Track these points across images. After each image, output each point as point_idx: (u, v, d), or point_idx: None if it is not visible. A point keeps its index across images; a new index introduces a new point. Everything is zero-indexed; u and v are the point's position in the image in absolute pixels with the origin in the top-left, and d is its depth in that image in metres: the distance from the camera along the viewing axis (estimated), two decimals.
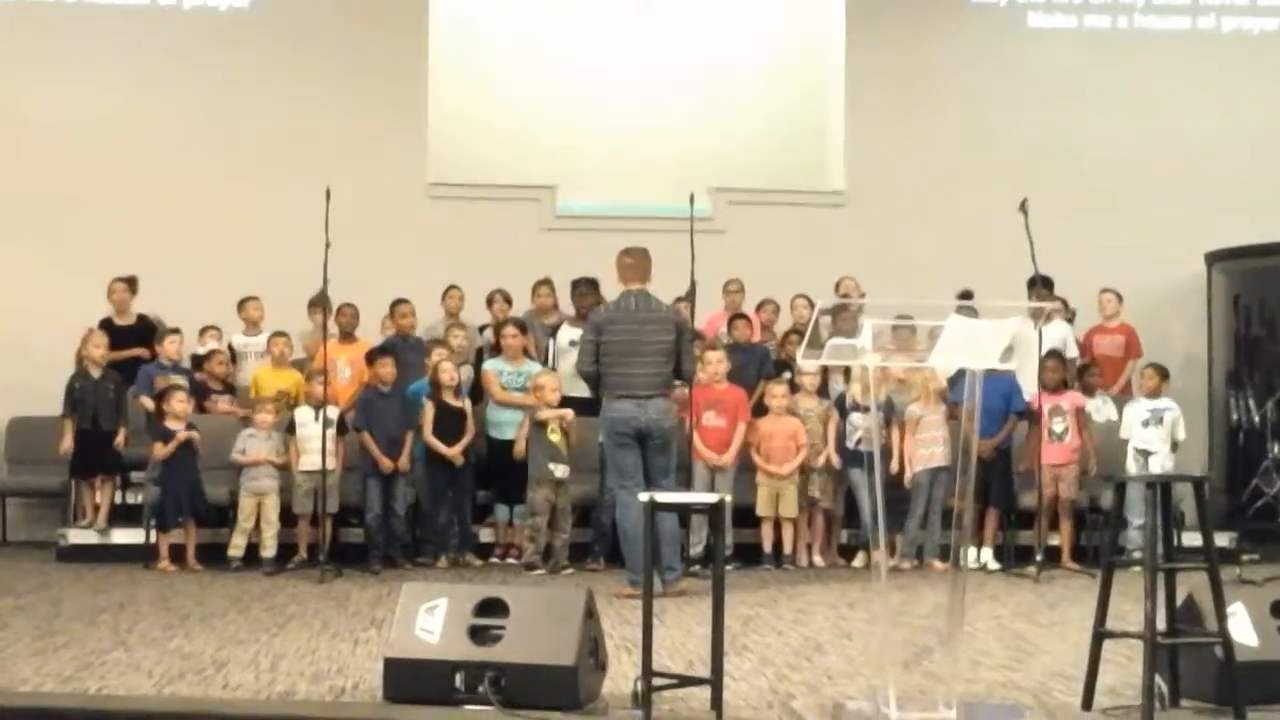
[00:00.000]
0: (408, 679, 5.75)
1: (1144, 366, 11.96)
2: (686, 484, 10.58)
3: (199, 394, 11.68)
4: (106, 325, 12.04)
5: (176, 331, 12.03)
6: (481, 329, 12.73)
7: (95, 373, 11.47)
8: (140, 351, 12.14)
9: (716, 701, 5.61)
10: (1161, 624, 5.72)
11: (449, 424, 11.11)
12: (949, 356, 6.22)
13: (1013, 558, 11.15)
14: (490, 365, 11.69)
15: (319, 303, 11.38)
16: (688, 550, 10.46)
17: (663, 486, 9.14)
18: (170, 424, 10.93)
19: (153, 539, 10.95)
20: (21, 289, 13.04)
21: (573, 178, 14.26)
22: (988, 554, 11.24)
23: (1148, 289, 13.21)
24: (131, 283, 12.32)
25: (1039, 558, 10.65)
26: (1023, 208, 10.78)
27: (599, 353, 9.46)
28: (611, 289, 10.70)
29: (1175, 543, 7.17)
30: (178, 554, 10.85)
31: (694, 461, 10.90)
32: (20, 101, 13.46)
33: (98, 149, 13.38)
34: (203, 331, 12.58)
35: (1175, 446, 11.27)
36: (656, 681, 5.62)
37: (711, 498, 6.63)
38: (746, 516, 11.25)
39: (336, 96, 13.73)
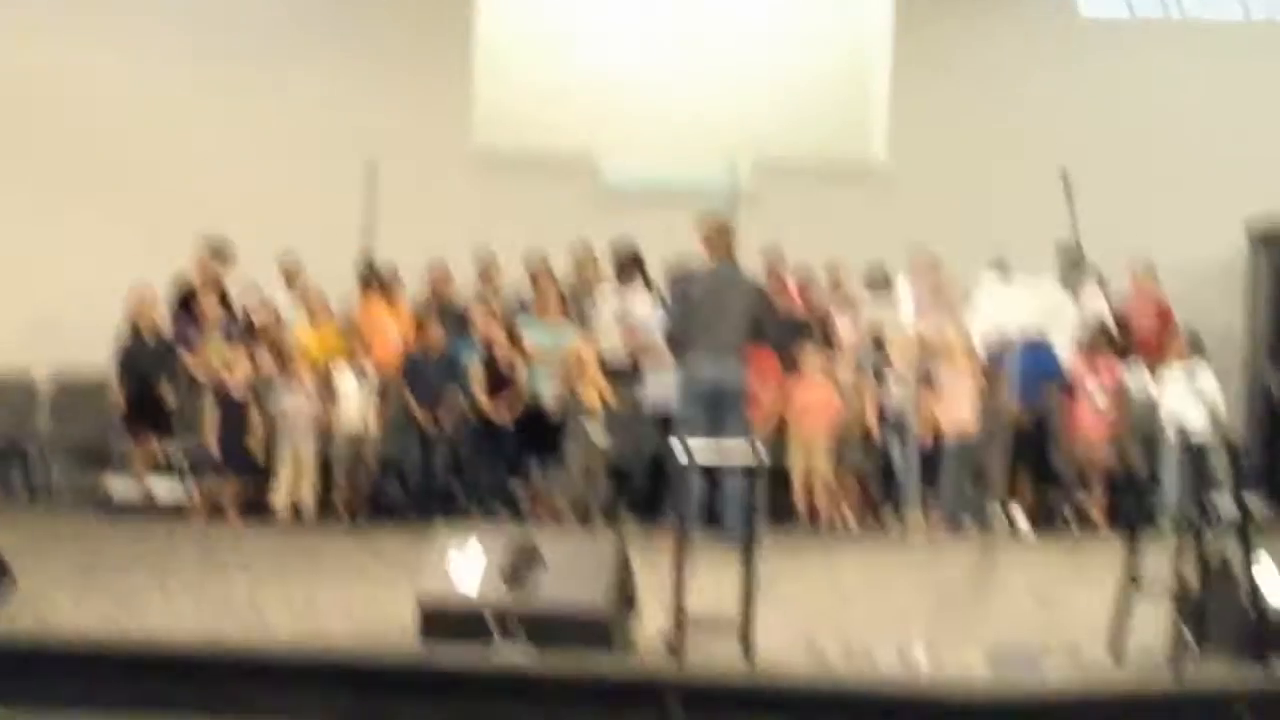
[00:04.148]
0: (442, 621, 5.83)
1: (1180, 336, 11.94)
2: None
3: (245, 355, 11.77)
4: (187, 299, 12.12)
5: (216, 293, 12.13)
6: (520, 294, 12.78)
7: (150, 340, 11.60)
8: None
9: (747, 647, 5.67)
10: (1191, 581, 5.76)
11: (497, 386, 11.20)
12: (986, 320, 6.27)
13: (1046, 521, 11.16)
14: (526, 326, 11.75)
15: (365, 268, 11.45)
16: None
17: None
18: (231, 390, 11.06)
19: (194, 492, 11.08)
20: (70, 247, 13.14)
21: (615, 148, 14.28)
22: (1021, 517, 11.25)
23: (1188, 261, 13.13)
24: (222, 254, 12.32)
25: (1072, 521, 10.66)
26: (1064, 178, 10.76)
27: (684, 314, 9.74)
28: (653, 258, 10.79)
29: (1208, 506, 7.19)
30: (216, 508, 10.98)
31: None
32: (75, 72, 13.54)
33: (147, 107, 13.49)
34: (249, 293, 12.66)
35: (1210, 414, 11.24)
36: (688, 625, 5.67)
37: (749, 453, 6.69)
38: (781, 479, 11.30)
39: (382, 64, 13.77)
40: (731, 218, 10.31)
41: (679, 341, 9.86)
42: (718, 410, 9.57)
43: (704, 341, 9.64)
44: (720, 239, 9.87)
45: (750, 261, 12.02)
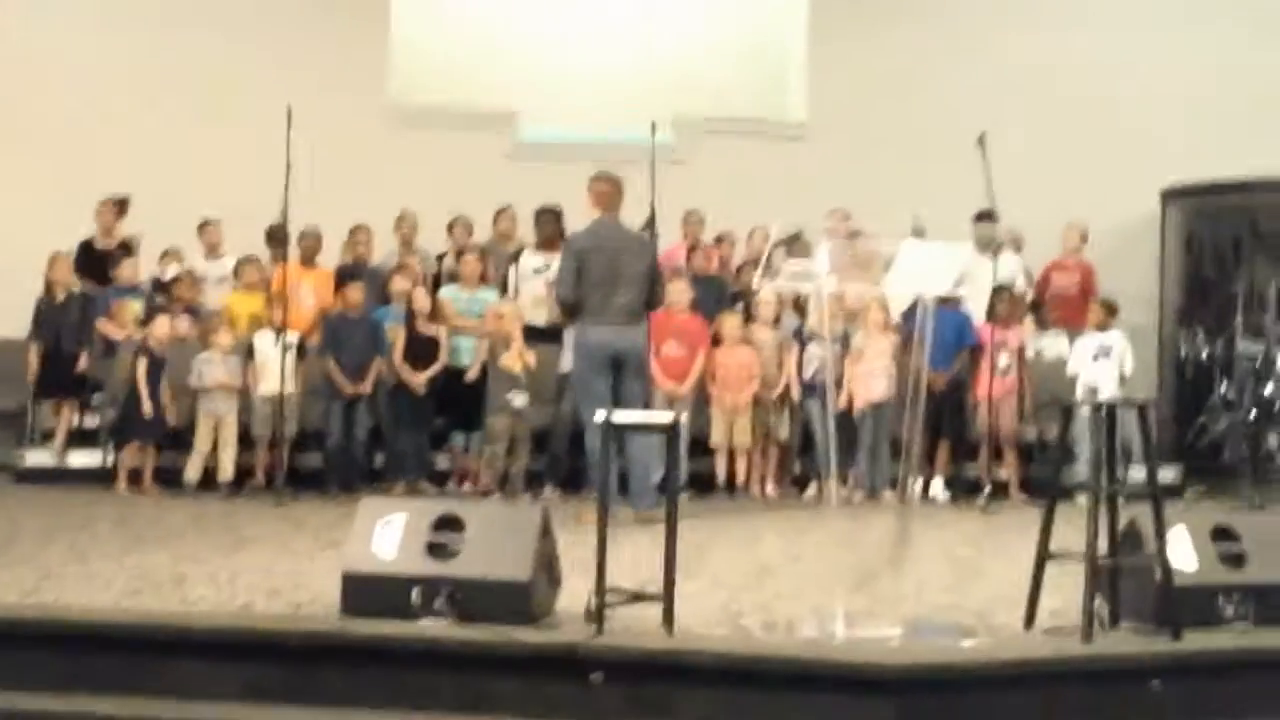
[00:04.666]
0: (365, 593, 5.83)
1: (1092, 301, 12.08)
2: None
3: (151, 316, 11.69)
4: (87, 246, 12.02)
5: (130, 255, 12.03)
6: (440, 256, 12.76)
7: (60, 295, 11.49)
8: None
9: (668, 617, 5.72)
10: (1103, 548, 5.87)
11: (419, 351, 11.17)
12: (903, 282, 6.33)
13: (963, 490, 11.28)
14: (446, 291, 11.74)
15: (279, 229, 11.38)
16: None
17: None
18: (153, 345, 10.97)
19: (110, 461, 11.00)
20: None
21: (535, 105, 14.27)
22: (938, 485, 11.38)
23: (1102, 225, 13.28)
24: (121, 205, 12.25)
25: (987, 489, 10.79)
26: (980, 142, 10.85)
27: (578, 279, 9.49)
28: (574, 217, 10.77)
29: (1121, 474, 7.30)
30: (135, 477, 10.91)
31: (653, 390, 10.99)
32: None
33: (61, 72, 13.35)
34: (163, 255, 12.57)
35: (1123, 381, 11.41)
36: (610, 598, 5.71)
37: (666, 416, 6.73)
38: (701, 447, 11.36)
39: (299, 19, 13.71)
40: (652, 176, 10.28)
41: (573, 306, 9.62)
42: (617, 376, 9.46)
43: (600, 306, 9.46)
44: (611, 196, 9.66)
45: (671, 222, 12.09)
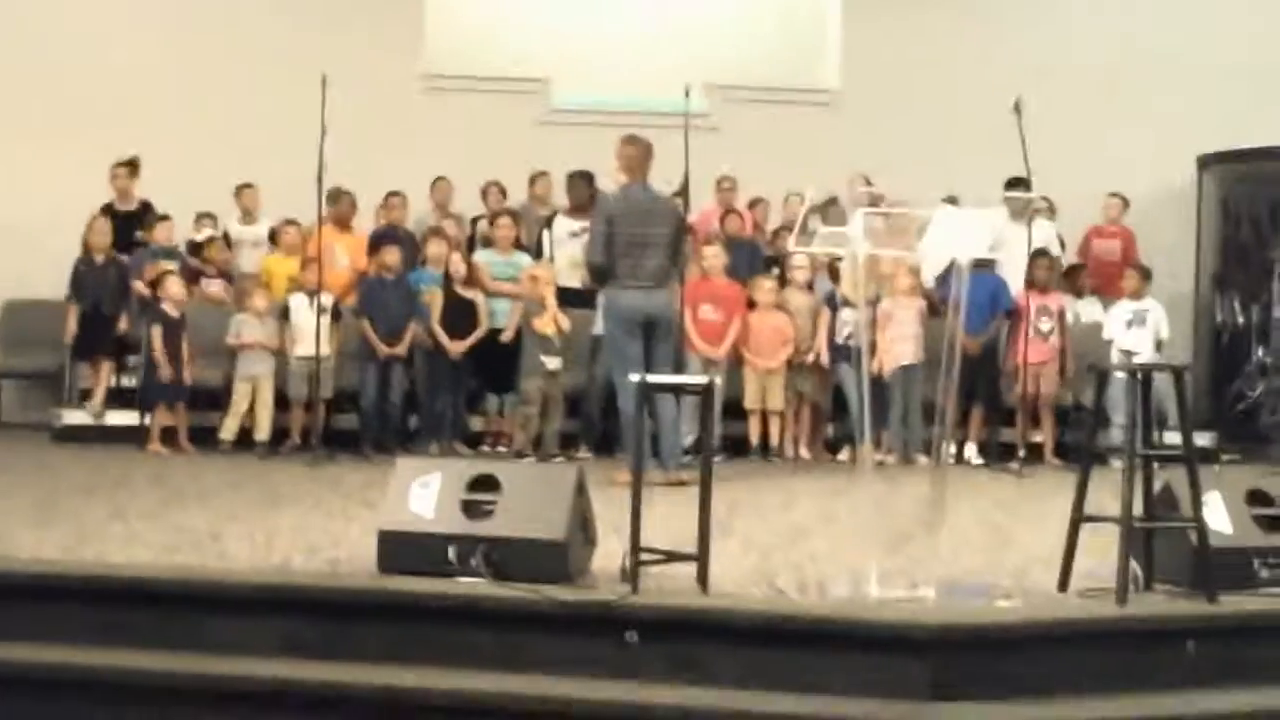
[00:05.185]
0: (401, 551, 5.87)
1: (1128, 268, 12.05)
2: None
3: (192, 279, 11.79)
4: (108, 210, 12.09)
5: (167, 218, 12.11)
6: (474, 220, 12.79)
7: (99, 258, 11.56)
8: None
9: (702, 577, 5.74)
10: (1138, 511, 5.87)
11: (457, 315, 11.22)
12: (937, 247, 6.32)
13: (997, 454, 11.28)
14: (481, 255, 11.78)
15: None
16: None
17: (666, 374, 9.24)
18: (166, 307, 11.04)
19: (146, 421, 11.08)
20: (18, 174, 13.04)
21: (568, 71, 14.27)
22: (972, 450, 11.39)
23: (1139, 191, 13.26)
24: (133, 166, 12.33)
25: (1022, 454, 10.79)
26: (1016, 107, 10.81)
27: (609, 243, 9.49)
28: (605, 182, 10.77)
29: (1156, 438, 7.30)
30: (170, 436, 10.99)
31: (688, 354, 11.01)
32: (22, 8, 13.42)
33: (92, 36, 13.37)
34: (198, 218, 12.63)
35: (1160, 347, 11.40)
36: (644, 557, 5.74)
37: (702, 379, 6.75)
38: (735, 410, 11.39)
39: None
40: (685, 142, 10.25)
41: (603, 270, 9.59)
42: (648, 339, 9.45)
43: (630, 269, 9.44)
44: (640, 160, 9.61)
45: (704, 187, 12.08)
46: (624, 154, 9.65)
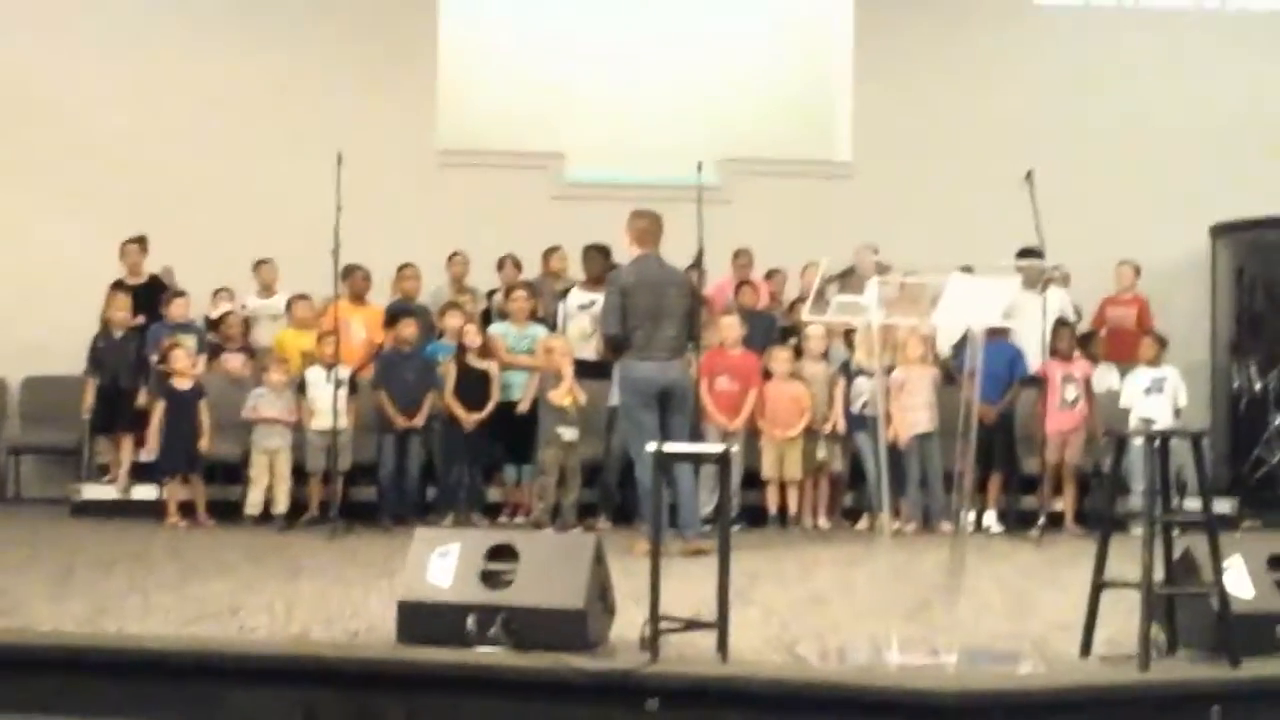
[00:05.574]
0: (421, 621, 5.87)
1: (1144, 336, 12.06)
2: None
3: (212, 354, 11.86)
4: (119, 286, 12.16)
5: (182, 293, 12.18)
6: (490, 294, 12.84)
7: (117, 333, 11.62)
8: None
9: (722, 645, 5.74)
10: (1159, 576, 5.85)
11: (471, 386, 11.25)
12: (951, 315, 6.35)
13: (1016, 521, 11.25)
14: (496, 328, 11.82)
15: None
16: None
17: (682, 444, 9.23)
18: (176, 382, 11.10)
19: (164, 495, 11.11)
20: (35, 251, 13.14)
21: (581, 147, 14.36)
22: (991, 517, 11.37)
23: (1152, 260, 13.26)
24: (142, 242, 12.41)
25: (1042, 521, 10.77)
26: (1028, 178, 10.87)
27: (624, 315, 9.52)
28: (621, 256, 10.82)
29: (1176, 504, 7.27)
30: (189, 510, 11.01)
31: (705, 425, 11.01)
32: (35, 65, 13.56)
33: (112, 112, 13.48)
34: (216, 293, 12.69)
35: (1178, 414, 11.39)
36: (663, 625, 5.74)
37: (718, 447, 6.76)
38: (753, 480, 11.39)
39: (348, 62, 13.82)
40: (699, 215, 10.30)
41: (618, 341, 9.61)
42: (664, 410, 9.46)
43: (645, 341, 9.47)
44: (651, 232, 9.66)
45: (716, 260, 12.12)
46: (635, 227, 9.71)
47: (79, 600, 6.96)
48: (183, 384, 11.15)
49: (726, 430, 11.12)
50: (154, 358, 11.64)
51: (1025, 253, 11.47)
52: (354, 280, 12.03)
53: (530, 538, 6.42)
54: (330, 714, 5.60)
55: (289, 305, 12.20)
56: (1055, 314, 11.70)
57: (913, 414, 11.16)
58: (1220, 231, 13.72)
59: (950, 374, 11.26)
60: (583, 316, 11.82)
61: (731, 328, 11.33)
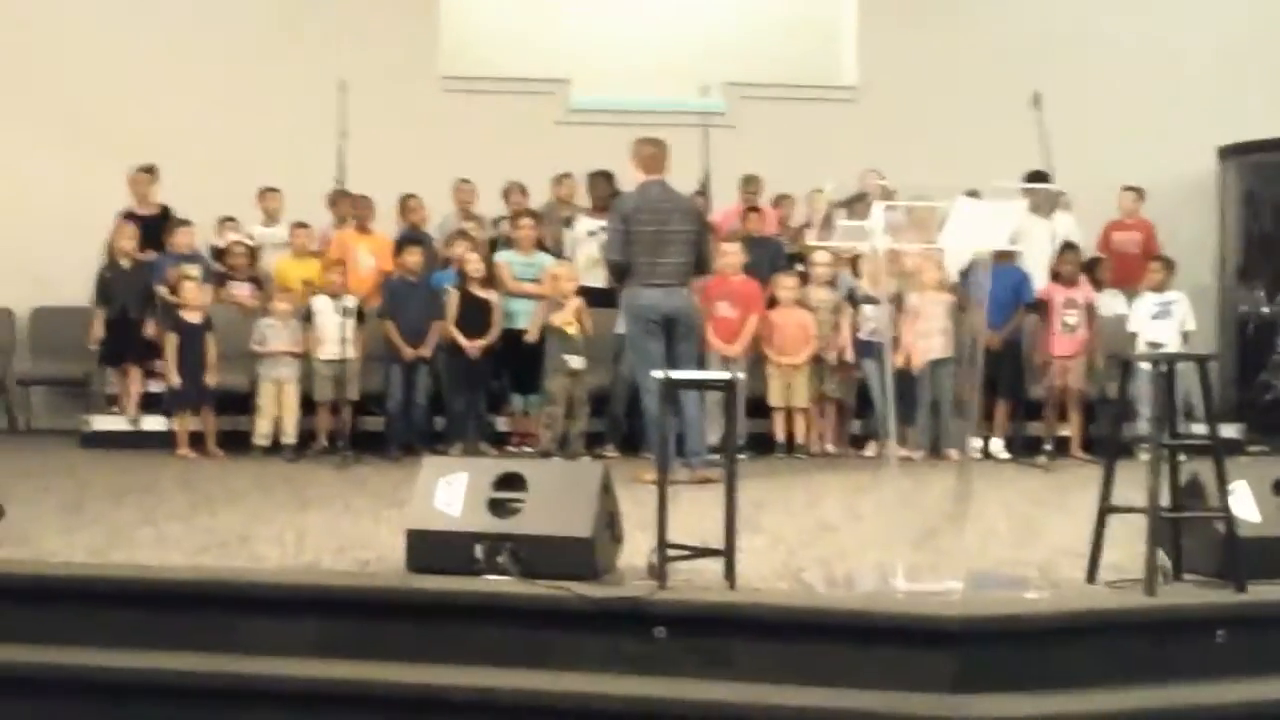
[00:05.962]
0: (429, 550, 5.90)
1: (1151, 260, 12.03)
2: None
3: (219, 283, 11.86)
4: (129, 216, 12.14)
5: (187, 223, 12.14)
6: (495, 221, 12.82)
7: (125, 263, 11.61)
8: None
9: (729, 573, 5.76)
10: (1165, 501, 5.86)
11: (474, 315, 11.24)
12: (957, 240, 6.32)
13: (1023, 448, 11.26)
14: (502, 256, 11.78)
15: (338, 195, 11.46)
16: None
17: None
18: (185, 314, 11.10)
19: (174, 425, 11.14)
20: (41, 183, 13.09)
21: (586, 72, 14.29)
22: (998, 444, 11.37)
23: (1159, 183, 13.21)
24: (151, 171, 12.38)
25: (1048, 447, 10.78)
26: (1035, 102, 10.81)
27: (627, 242, 9.50)
28: (626, 182, 10.78)
29: (1183, 429, 7.28)
30: (198, 441, 11.04)
31: (707, 353, 11.01)
32: (42, 12, 13.48)
33: (113, 41, 13.41)
34: (221, 223, 12.68)
35: (1185, 339, 11.38)
36: (671, 553, 5.76)
37: (725, 375, 6.76)
38: (759, 408, 11.39)
39: None
40: (705, 140, 10.25)
41: (621, 268, 9.59)
42: (669, 338, 9.44)
43: (649, 268, 9.43)
44: (656, 159, 9.61)
45: (722, 185, 12.10)
46: (640, 153, 9.67)
47: (89, 531, 7.00)
48: (192, 317, 11.16)
49: (727, 357, 11.11)
50: (161, 289, 11.64)
51: (1033, 176, 11.42)
52: (357, 209, 12.01)
53: (538, 466, 6.45)
54: (339, 642, 5.64)
55: (290, 233, 12.17)
56: (1062, 239, 11.66)
57: (926, 340, 11.14)
58: (1228, 154, 13.65)
59: (958, 300, 11.23)
60: (591, 243, 11.78)
61: (733, 253, 11.29)
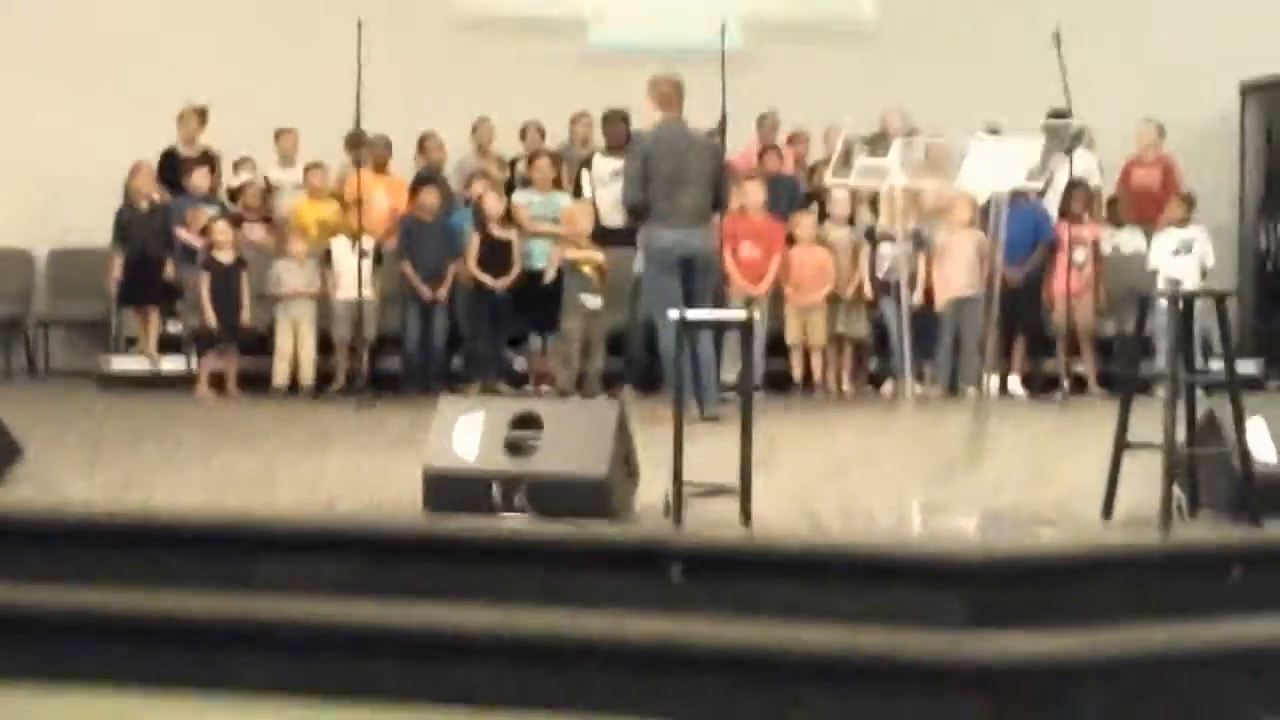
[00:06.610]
0: (446, 490, 5.91)
1: (1172, 197, 11.96)
2: None
3: (234, 224, 11.85)
4: (170, 154, 12.13)
5: (203, 164, 12.12)
6: (513, 162, 12.78)
7: (143, 204, 11.61)
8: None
9: (745, 511, 5.77)
10: (1181, 438, 5.85)
11: (493, 255, 11.23)
12: (975, 178, 6.30)
13: (1040, 386, 11.24)
14: (520, 196, 11.77)
15: (356, 135, 11.42)
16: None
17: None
18: (218, 253, 11.11)
19: (194, 366, 11.17)
20: (55, 124, 13.07)
21: (603, 11, 14.20)
22: (1015, 382, 11.36)
23: (1181, 120, 13.11)
24: (203, 114, 12.34)
25: (1064, 385, 10.76)
26: (1055, 39, 10.71)
27: (645, 181, 9.45)
28: (642, 123, 10.73)
29: (1201, 365, 7.26)
30: (217, 381, 11.07)
31: (728, 290, 10.99)
32: None
33: None
34: (237, 164, 12.66)
35: (1204, 275, 11.33)
36: (686, 491, 5.77)
37: (741, 314, 6.74)
38: (776, 346, 11.39)
39: None
40: (723, 79, 10.18)
41: (639, 208, 9.53)
42: (687, 277, 9.38)
43: (666, 207, 9.36)
44: (673, 97, 9.53)
45: (741, 124, 12.02)
46: (656, 91, 9.58)
47: (108, 472, 7.02)
48: (224, 256, 11.17)
49: (751, 295, 11.09)
50: (181, 231, 11.64)
51: (1054, 115, 11.33)
52: (374, 149, 11.98)
53: (554, 406, 6.45)
54: (356, 582, 5.66)
55: (304, 175, 12.15)
56: (1080, 176, 11.59)
57: (955, 278, 11.11)
58: (1250, 89, 13.52)
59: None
60: (614, 183, 11.73)
61: (755, 192, 11.25)
